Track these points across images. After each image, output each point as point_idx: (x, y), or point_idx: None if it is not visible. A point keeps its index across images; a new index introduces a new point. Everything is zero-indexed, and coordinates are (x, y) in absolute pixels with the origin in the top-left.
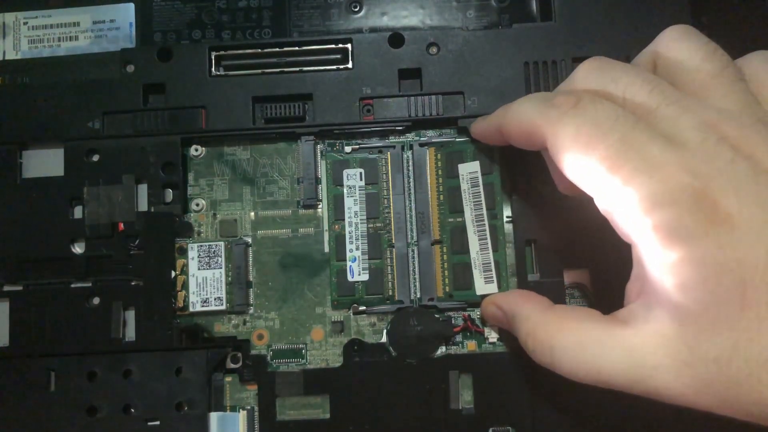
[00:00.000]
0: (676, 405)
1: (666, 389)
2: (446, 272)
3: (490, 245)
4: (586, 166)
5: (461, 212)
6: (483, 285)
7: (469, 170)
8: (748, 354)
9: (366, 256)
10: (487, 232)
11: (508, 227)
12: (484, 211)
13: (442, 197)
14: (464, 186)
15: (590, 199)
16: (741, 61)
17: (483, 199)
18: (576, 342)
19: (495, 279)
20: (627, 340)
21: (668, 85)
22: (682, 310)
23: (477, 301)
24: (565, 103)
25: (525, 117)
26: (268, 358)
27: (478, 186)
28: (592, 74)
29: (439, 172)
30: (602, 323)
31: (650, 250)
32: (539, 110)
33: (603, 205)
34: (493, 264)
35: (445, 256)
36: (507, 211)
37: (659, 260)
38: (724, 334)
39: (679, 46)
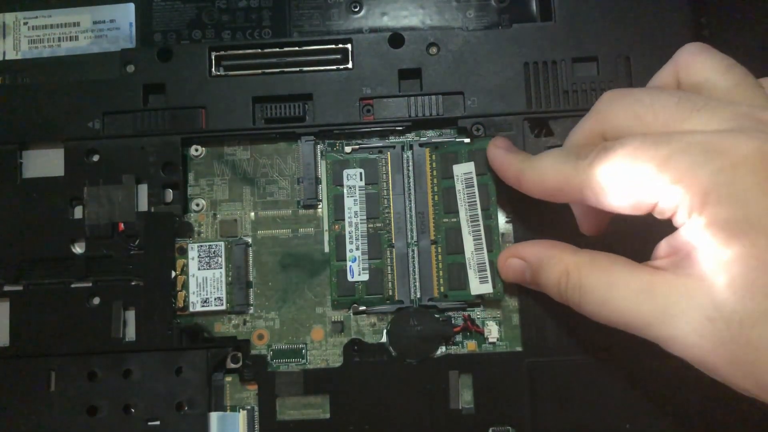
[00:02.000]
0: (684, 359)
1: (681, 339)
2: (441, 272)
3: (485, 245)
4: (635, 186)
5: (456, 213)
6: (478, 285)
7: (464, 171)
8: None
9: (366, 256)
10: (482, 233)
11: (508, 227)
12: (479, 212)
13: (436, 198)
14: (459, 186)
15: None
16: (761, 80)
17: (478, 199)
18: (605, 283)
19: (490, 279)
20: (654, 285)
21: (692, 93)
22: (736, 267)
23: (472, 301)
24: (592, 152)
25: (551, 175)
26: (268, 358)
27: (473, 187)
28: (615, 102)
29: (434, 173)
30: (632, 267)
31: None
32: (570, 166)
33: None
34: (488, 264)
35: (439, 257)
36: (506, 212)
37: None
38: (757, 299)
39: (699, 60)
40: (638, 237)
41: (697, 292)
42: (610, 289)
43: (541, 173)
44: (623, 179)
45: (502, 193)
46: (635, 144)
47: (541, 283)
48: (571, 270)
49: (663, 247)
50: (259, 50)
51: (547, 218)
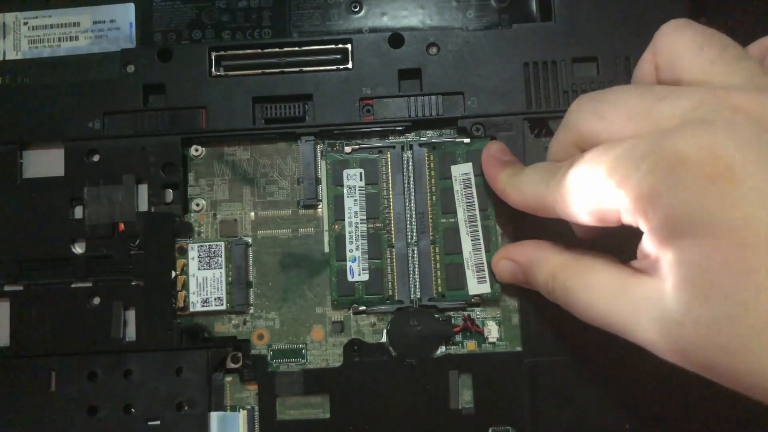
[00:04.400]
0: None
1: (654, 344)
2: (439, 273)
3: (482, 246)
4: (594, 199)
5: (454, 213)
6: (476, 285)
7: (462, 171)
8: (742, 323)
9: (366, 256)
10: (480, 233)
11: (507, 227)
12: (477, 212)
13: (434, 198)
14: (457, 187)
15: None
16: (752, 45)
17: (476, 200)
18: (586, 285)
19: (488, 279)
20: (631, 289)
21: (652, 84)
22: (680, 269)
23: (471, 301)
24: (561, 169)
25: (530, 194)
26: (268, 358)
27: (471, 187)
28: (580, 107)
29: (432, 173)
30: (612, 268)
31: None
32: (543, 185)
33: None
34: (486, 264)
35: (437, 257)
36: (507, 210)
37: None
38: (719, 301)
39: (674, 40)
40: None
41: (665, 296)
42: (590, 291)
43: (521, 192)
44: (583, 194)
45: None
46: (591, 155)
47: (531, 284)
48: (557, 272)
49: (640, 248)
50: (259, 50)
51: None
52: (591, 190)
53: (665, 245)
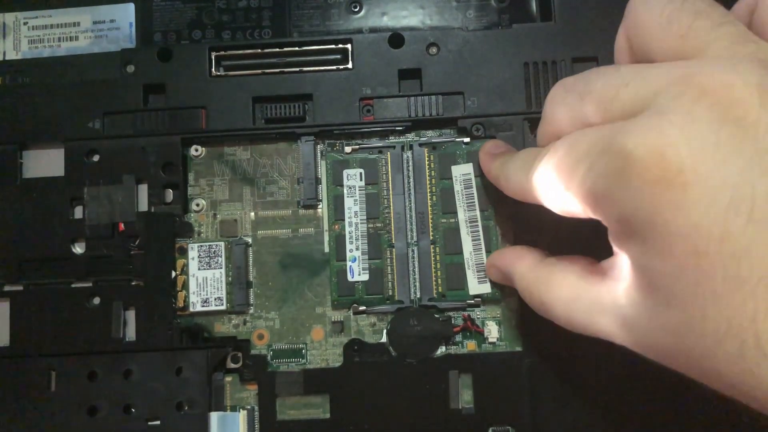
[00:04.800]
0: None
1: (633, 349)
2: (439, 273)
3: (483, 246)
4: (556, 193)
5: (454, 213)
6: (476, 285)
7: (463, 172)
8: (704, 331)
9: (366, 256)
10: (481, 233)
11: (507, 227)
12: (478, 213)
13: (435, 198)
14: (457, 187)
15: None
16: (737, 4)
17: (476, 200)
18: (560, 298)
19: (488, 279)
20: (601, 296)
21: (621, 66)
22: (638, 274)
23: (471, 302)
24: (536, 160)
25: (514, 181)
26: (268, 358)
27: (471, 188)
28: (553, 96)
29: (432, 173)
30: (584, 279)
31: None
32: (524, 173)
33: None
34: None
35: (437, 257)
36: (507, 211)
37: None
38: (679, 308)
39: (641, 15)
40: None
41: (630, 304)
42: (549, 293)
43: (507, 180)
44: (548, 188)
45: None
46: (553, 148)
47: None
48: (531, 288)
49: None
50: (259, 50)
51: (547, 218)
52: (552, 184)
53: (622, 248)
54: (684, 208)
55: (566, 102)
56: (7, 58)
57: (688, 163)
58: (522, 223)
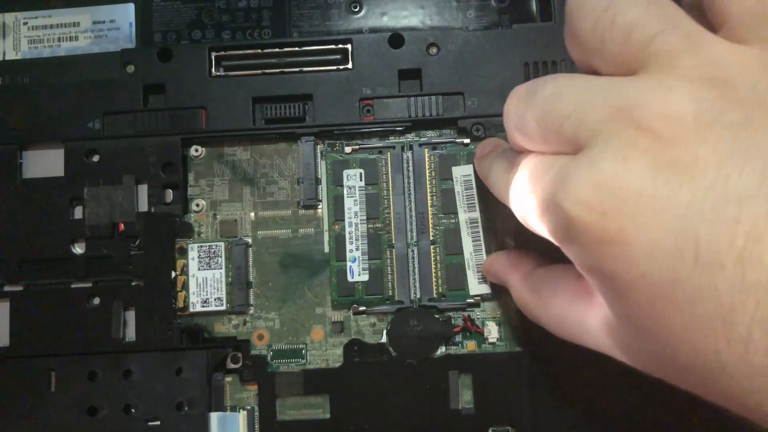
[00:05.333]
0: None
1: (611, 354)
2: (439, 273)
3: (483, 246)
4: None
5: (454, 213)
6: (476, 285)
7: (463, 173)
8: (676, 359)
9: (366, 257)
10: (481, 234)
11: (507, 227)
12: (478, 213)
13: (435, 198)
14: (458, 188)
15: None
16: None
17: (477, 201)
18: (549, 315)
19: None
20: (588, 319)
21: (568, 89)
22: (609, 308)
23: (471, 302)
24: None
25: (496, 187)
26: (268, 358)
27: (472, 189)
28: (508, 122)
29: (433, 174)
30: (571, 302)
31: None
32: (504, 181)
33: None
34: None
35: (438, 257)
36: (507, 211)
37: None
38: (652, 341)
39: (576, 28)
40: None
41: (612, 329)
42: (557, 320)
43: (491, 186)
44: (516, 209)
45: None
46: (518, 174)
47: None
48: (525, 300)
49: None
50: (259, 50)
51: None
52: (518, 207)
53: (591, 283)
54: (630, 262)
55: (519, 129)
56: (7, 58)
57: (628, 218)
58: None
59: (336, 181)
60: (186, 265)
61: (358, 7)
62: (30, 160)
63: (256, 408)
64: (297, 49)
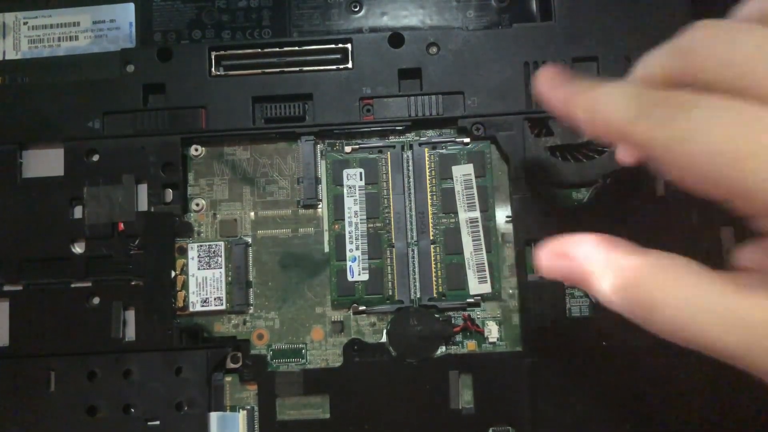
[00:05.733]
0: None
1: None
2: (439, 272)
3: (483, 246)
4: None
5: (454, 213)
6: (477, 285)
7: (463, 173)
8: None
9: (366, 256)
10: (481, 234)
11: (508, 227)
12: (478, 213)
13: (435, 198)
14: (458, 188)
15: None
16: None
17: (476, 201)
18: (682, 300)
19: (488, 279)
20: (744, 311)
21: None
22: None
23: (471, 301)
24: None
25: (612, 120)
26: (268, 358)
27: (472, 188)
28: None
29: (433, 173)
30: (714, 284)
31: None
32: (646, 117)
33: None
34: (486, 264)
35: (438, 257)
36: (507, 211)
37: None
38: None
39: (700, 53)
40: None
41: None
42: (689, 309)
43: (599, 117)
44: (697, 163)
45: (501, 193)
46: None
47: (590, 289)
48: (631, 281)
49: (750, 253)
50: (259, 50)
51: (548, 218)
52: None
53: None
54: None
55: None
56: (7, 58)
57: None
58: (523, 223)
59: (336, 181)
60: (186, 265)
61: (358, 7)
62: (30, 159)
63: (256, 408)
64: (297, 48)
